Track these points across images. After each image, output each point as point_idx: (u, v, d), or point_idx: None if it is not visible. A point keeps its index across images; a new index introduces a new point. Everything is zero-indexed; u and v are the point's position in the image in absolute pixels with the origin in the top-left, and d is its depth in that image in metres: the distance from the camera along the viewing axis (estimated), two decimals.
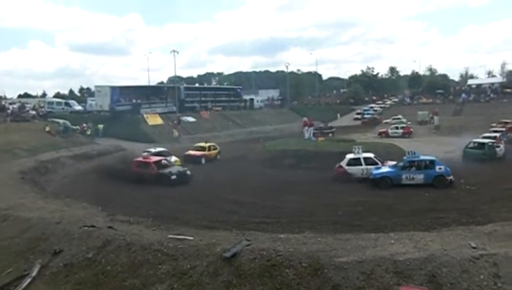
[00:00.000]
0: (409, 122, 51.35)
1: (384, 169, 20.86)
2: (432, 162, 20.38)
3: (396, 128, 44.79)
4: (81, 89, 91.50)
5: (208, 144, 31.42)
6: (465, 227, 12.10)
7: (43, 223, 13.08)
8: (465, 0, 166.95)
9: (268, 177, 22.84)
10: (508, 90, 70.58)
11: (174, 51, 58.40)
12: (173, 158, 26.46)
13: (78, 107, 51.92)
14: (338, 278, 8.58)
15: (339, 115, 69.57)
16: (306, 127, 36.84)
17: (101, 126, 42.05)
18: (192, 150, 30.82)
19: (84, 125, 40.89)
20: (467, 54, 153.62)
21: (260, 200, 17.90)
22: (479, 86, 79.98)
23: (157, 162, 23.31)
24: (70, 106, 50.76)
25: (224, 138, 47.40)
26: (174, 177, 22.12)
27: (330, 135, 41.57)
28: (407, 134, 43.04)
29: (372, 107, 72.90)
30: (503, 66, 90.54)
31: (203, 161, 29.20)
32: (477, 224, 12.44)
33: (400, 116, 55.98)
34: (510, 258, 8.68)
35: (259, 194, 19.14)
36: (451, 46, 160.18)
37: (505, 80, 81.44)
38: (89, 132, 40.15)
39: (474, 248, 9.40)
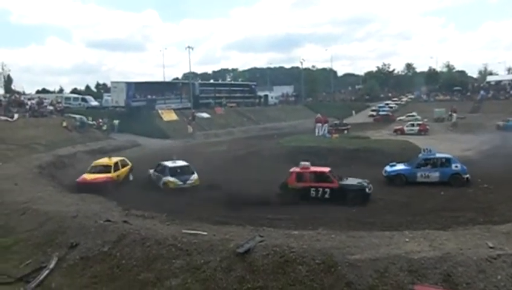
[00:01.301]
0: (425, 120, 50.68)
1: (399, 167, 20.64)
2: (448, 160, 20.10)
3: (412, 125, 44.23)
4: (98, 85, 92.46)
5: (115, 160, 21.69)
6: (482, 226, 11.91)
7: (60, 217, 13.33)
8: None
9: (281, 174, 22.76)
10: None
11: (189, 47, 58.64)
12: (194, 176, 20.39)
13: (95, 103, 52.51)
14: (351, 276, 8.54)
15: (353, 111, 68.97)
16: (319, 124, 36.63)
17: (116, 122, 42.48)
18: (90, 171, 20.55)
19: (100, 120, 41.35)
20: (486, 50, 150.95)
21: (274, 197, 17.88)
22: (498, 82, 78.35)
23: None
24: (86, 102, 51.32)
25: (238, 134, 47.55)
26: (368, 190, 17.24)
27: (345, 131, 41.25)
28: (423, 131, 42.45)
29: (387, 104, 72.07)
30: None
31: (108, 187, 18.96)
32: (495, 223, 12.23)
33: (414, 113, 55.25)
34: None
35: (272, 190, 19.12)
36: (469, 42, 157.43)
37: None
38: (104, 127, 40.61)
39: (491, 247, 9.25)
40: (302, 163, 18.54)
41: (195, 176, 20.31)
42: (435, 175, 19.60)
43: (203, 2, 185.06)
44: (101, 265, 10.60)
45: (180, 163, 21.16)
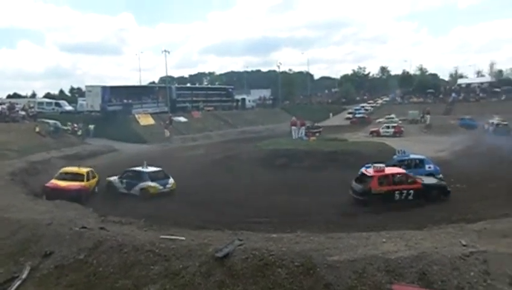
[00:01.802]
0: (399, 122, 51.75)
1: None
2: (422, 161, 20.49)
3: (388, 127, 45.06)
4: (72, 89, 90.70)
5: (86, 169, 20.24)
6: (455, 225, 12.23)
7: (34, 225, 12.96)
8: (454, 1, 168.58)
9: (259, 177, 22.84)
10: (497, 89, 71.41)
11: (165, 50, 57.96)
12: (171, 180, 20.00)
13: (69, 108, 51.37)
14: (330, 277, 8.62)
15: (331, 114, 69.83)
16: (294, 127, 36.85)
17: (92, 126, 41.70)
18: (60, 178, 19.39)
19: (75, 125, 40.52)
20: (457, 53, 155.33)
21: (252, 200, 17.89)
22: (468, 85, 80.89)
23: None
24: (60, 106, 50.17)
25: (216, 138, 47.37)
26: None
27: (317, 134, 41.61)
28: (398, 133, 43.31)
29: (363, 107, 73.27)
30: (491, 65, 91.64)
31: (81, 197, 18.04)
32: (468, 222, 12.57)
33: (392, 116, 56.40)
34: (499, 255, 8.79)
35: (251, 193, 19.14)
36: (441, 46, 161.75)
37: (493, 79, 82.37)
38: (79, 132, 39.79)
39: (464, 245, 9.51)
40: (377, 165, 17.91)
41: (172, 180, 19.97)
42: None
43: (180, 6, 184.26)
44: (77, 273, 10.36)
45: (154, 168, 20.53)
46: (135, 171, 20.17)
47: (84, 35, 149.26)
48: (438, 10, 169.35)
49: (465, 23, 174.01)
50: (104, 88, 48.15)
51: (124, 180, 19.96)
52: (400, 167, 20.24)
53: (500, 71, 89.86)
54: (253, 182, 21.51)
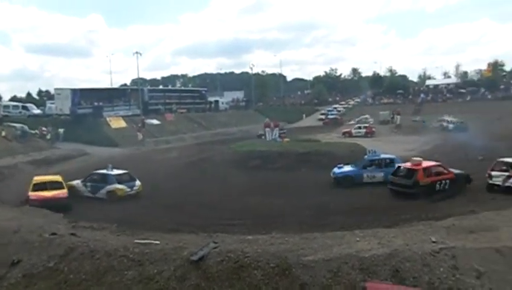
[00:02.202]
0: (371, 122, 52.82)
1: (346, 168, 21.22)
2: (392, 160, 20.94)
3: (359, 128, 45.89)
4: (40, 92, 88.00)
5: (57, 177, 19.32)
6: (425, 222, 12.57)
7: (0, 232, 12.51)
8: (421, 4, 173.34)
9: (234, 179, 22.80)
10: (463, 90, 73.90)
11: (137, 52, 57.07)
12: (137, 182, 19.83)
13: (37, 111, 49.90)
14: (306, 277, 8.68)
15: (304, 115, 70.51)
16: (268, 129, 37.05)
17: (61, 130, 40.67)
18: (39, 189, 17.99)
19: (44, 129, 39.42)
20: (424, 55, 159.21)
21: (227, 202, 17.85)
22: (436, 86, 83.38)
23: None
24: (28, 110, 48.64)
25: (189, 140, 47.00)
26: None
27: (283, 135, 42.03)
28: (369, 134, 44.15)
29: (335, 108, 74.30)
30: (457, 67, 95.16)
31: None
32: (437, 219, 12.94)
33: (367, 116, 57.61)
34: (467, 251, 9.10)
35: (225, 196, 19.09)
36: (409, 48, 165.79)
37: (459, 80, 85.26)
38: (48, 136, 38.72)
39: (434, 242, 9.78)
40: (415, 159, 18.70)
41: (138, 182, 19.85)
42: (380, 175, 20.31)
43: (151, 8, 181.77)
44: (47, 282, 10.05)
45: (120, 171, 20.41)
46: (101, 174, 19.98)
47: (52, 36, 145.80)
48: (406, 13, 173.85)
49: (432, 26, 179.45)
50: (73, 91, 47.14)
51: (89, 184, 19.69)
52: (371, 166, 20.66)
53: (465, 73, 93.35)
54: (227, 184, 21.45)
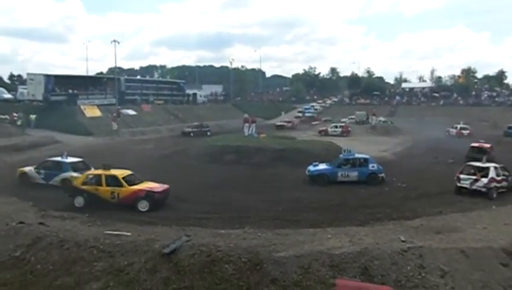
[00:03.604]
0: (347, 122, 53.56)
1: (321, 166, 21.46)
2: (366, 160, 21.29)
3: (336, 127, 46.44)
4: (12, 76, 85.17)
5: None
6: (395, 222, 12.88)
7: None
8: (400, 8, 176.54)
9: (209, 173, 22.73)
10: (436, 94, 75.74)
11: (115, 40, 55.85)
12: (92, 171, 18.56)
13: (8, 96, 48.29)
14: (276, 273, 8.77)
15: (283, 112, 70.81)
16: (246, 124, 37.10)
17: (33, 116, 39.57)
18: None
19: (15, 115, 38.26)
20: (401, 59, 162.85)
21: (201, 196, 17.78)
22: (411, 89, 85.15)
23: None
24: None
25: (165, 132, 46.51)
26: None
27: (208, 133, 42.04)
28: (345, 133, 44.76)
29: (313, 106, 74.91)
30: (432, 72, 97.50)
31: None
32: (407, 219, 13.27)
33: (353, 117, 58.58)
34: (433, 250, 9.39)
35: (199, 190, 19.01)
36: (387, 51, 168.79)
37: (434, 85, 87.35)
38: (19, 122, 37.60)
39: (403, 241, 10.05)
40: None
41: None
42: (354, 174, 20.65)
43: None
44: (12, 271, 9.82)
45: (75, 159, 20.08)
46: (55, 161, 19.65)
47: (27, 20, 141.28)
48: (385, 16, 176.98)
49: (410, 31, 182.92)
50: (47, 77, 45.78)
51: (42, 171, 19.31)
52: (345, 165, 20.96)
53: (440, 78, 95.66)
54: (202, 178, 21.36)
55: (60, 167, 19.18)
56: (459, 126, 44.22)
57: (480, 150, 25.48)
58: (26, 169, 19.71)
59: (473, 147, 26.85)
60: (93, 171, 16.73)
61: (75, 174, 18.57)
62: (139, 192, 15.57)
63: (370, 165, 20.85)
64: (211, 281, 8.79)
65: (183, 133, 43.03)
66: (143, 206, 15.27)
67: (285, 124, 52.02)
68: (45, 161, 20.13)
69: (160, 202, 15.82)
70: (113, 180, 15.66)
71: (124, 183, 15.62)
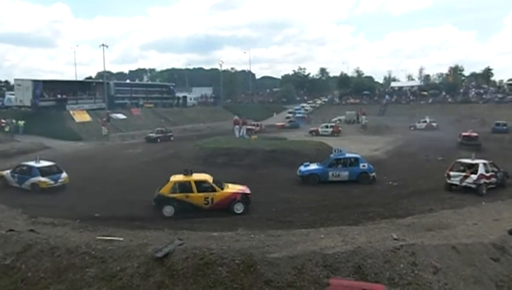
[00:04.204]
0: (337, 121, 53.79)
1: (312, 166, 21.51)
2: (356, 159, 21.39)
3: (326, 127, 46.58)
4: None
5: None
6: (387, 220, 12.95)
7: None
8: (388, 8, 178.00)
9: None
10: (425, 93, 76.38)
11: (103, 44, 55.46)
12: (64, 174, 20.03)
13: None
14: (270, 274, 8.76)
15: (275, 113, 70.83)
16: (237, 126, 37.12)
17: (21, 122, 39.19)
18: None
19: (3, 121, 37.88)
20: (390, 58, 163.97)
21: None
22: (400, 88, 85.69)
23: None
24: None
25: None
26: None
27: (171, 138, 41.28)
28: (336, 133, 44.92)
29: (303, 107, 75.05)
30: (420, 70, 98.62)
31: None
32: (398, 217, 13.37)
33: (340, 117, 58.75)
34: (425, 247, 9.45)
35: None
36: (376, 50, 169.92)
37: (422, 83, 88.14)
38: (7, 129, 37.22)
39: (395, 239, 10.11)
40: None
41: (64, 175, 20.15)
42: (344, 174, 20.74)
43: None
44: (2, 280, 9.69)
45: (46, 163, 20.74)
46: (26, 165, 20.19)
47: (13, 25, 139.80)
48: (374, 16, 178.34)
49: (398, 30, 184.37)
50: (35, 82, 45.39)
51: (16, 175, 19.88)
52: (336, 165, 21.03)
53: (428, 76, 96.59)
54: None
55: (30, 171, 19.65)
56: (428, 120, 49.09)
57: (470, 138, 32.89)
58: (4, 173, 20.37)
59: (464, 135, 33.69)
60: (178, 178, 15.77)
61: (42, 178, 19.27)
62: (234, 195, 15.61)
63: (361, 165, 20.96)
64: (205, 284, 8.75)
65: (148, 139, 40.25)
66: (239, 208, 15.44)
67: (252, 127, 45.68)
68: (18, 165, 20.71)
69: (250, 203, 15.86)
70: (205, 186, 15.46)
71: (217, 188, 15.51)
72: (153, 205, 15.35)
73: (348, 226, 12.27)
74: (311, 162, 22.04)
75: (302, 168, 21.44)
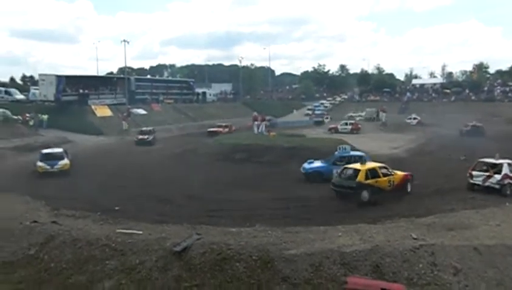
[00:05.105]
0: (357, 118, 53.25)
1: (317, 164, 21.23)
2: (361, 157, 20.93)
3: (346, 124, 46.14)
4: (24, 77, 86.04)
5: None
6: (407, 219, 12.75)
7: None
8: (410, 4, 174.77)
9: (220, 171, 22.80)
10: (447, 90, 74.91)
11: (124, 40, 56.10)
12: (62, 161, 21.94)
13: (20, 96, 48.93)
14: (287, 271, 8.76)
15: (295, 110, 70.56)
16: (256, 122, 37.13)
17: (45, 117, 40.02)
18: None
19: (27, 115, 38.76)
20: (412, 55, 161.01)
21: (212, 194, 17.84)
22: (422, 85, 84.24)
23: None
24: (11, 95, 47.68)
25: (175, 131, 46.73)
26: None
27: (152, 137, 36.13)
28: (355, 130, 44.43)
29: (322, 104, 74.57)
30: (443, 67, 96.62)
31: None
32: (418, 216, 13.13)
33: (359, 115, 58.15)
34: (445, 247, 9.29)
35: (210, 188, 19.07)
36: (398, 47, 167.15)
37: (445, 81, 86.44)
38: (31, 123, 38.09)
39: (415, 238, 9.96)
40: None
41: (63, 161, 21.99)
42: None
43: None
44: (27, 269, 9.97)
45: (53, 150, 23.46)
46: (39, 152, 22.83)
47: (38, 21, 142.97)
48: (395, 12, 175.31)
49: (421, 26, 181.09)
50: (58, 77, 46.27)
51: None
52: (341, 163, 20.58)
53: (451, 73, 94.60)
54: (213, 177, 21.43)
55: (39, 156, 22.17)
56: (416, 117, 52.34)
57: (475, 127, 38.33)
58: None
59: (470, 125, 39.01)
60: (369, 166, 17.40)
61: (40, 163, 21.68)
62: (407, 176, 17.90)
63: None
64: (222, 279, 8.81)
65: (138, 142, 35.12)
66: (409, 187, 17.75)
67: (219, 129, 42.12)
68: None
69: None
70: (386, 171, 17.43)
71: (395, 172, 17.71)
72: (346, 193, 16.54)
73: (366, 224, 12.13)
74: (315, 160, 21.72)
75: (306, 165, 21.10)
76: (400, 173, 17.81)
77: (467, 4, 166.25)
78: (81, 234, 10.84)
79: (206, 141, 32.30)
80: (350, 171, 17.27)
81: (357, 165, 17.46)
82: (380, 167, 17.51)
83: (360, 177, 16.62)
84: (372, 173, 16.84)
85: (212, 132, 41.12)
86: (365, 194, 16.31)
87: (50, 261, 10.06)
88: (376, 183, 16.64)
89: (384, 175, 17.16)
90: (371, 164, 17.84)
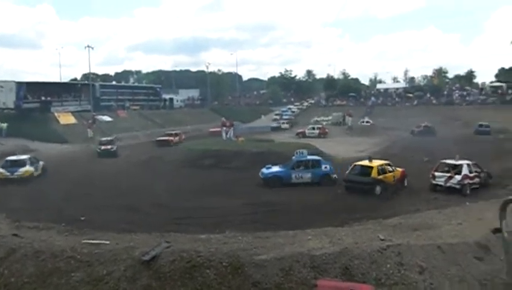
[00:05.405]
0: (324, 123, 54.12)
1: (275, 169, 21.34)
2: (318, 161, 21.31)
3: (313, 128, 46.80)
4: None
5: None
6: (374, 221, 13.04)
7: None
8: (374, 12, 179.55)
9: (187, 178, 22.58)
10: (410, 94, 77.39)
11: (88, 46, 55.11)
12: (23, 168, 22.13)
13: None
14: (258, 276, 8.75)
15: (263, 116, 70.89)
16: (224, 128, 37.11)
17: (4, 125, 38.57)
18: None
19: None
20: (376, 60, 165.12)
21: (180, 202, 17.64)
22: (385, 90, 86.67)
23: None
24: None
25: (142, 138, 45.98)
26: None
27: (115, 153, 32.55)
28: (322, 134, 45.15)
29: (290, 109, 75.33)
30: (405, 72, 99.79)
31: None
32: (385, 218, 13.45)
33: (325, 119, 59.02)
34: (411, 247, 9.55)
35: (179, 195, 18.86)
36: (362, 53, 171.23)
37: (407, 85, 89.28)
38: None
39: (382, 240, 10.19)
40: None
41: (24, 168, 22.05)
42: (307, 176, 20.53)
43: (106, 0, 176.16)
44: None
45: (18, 157, 23.32)
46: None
47: None
48: (360, 19, 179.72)
49: (383, 33, 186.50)
50: (19, 84, 44.84)
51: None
52: (299, 167, 20.89)
53: (413, 78, 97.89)
54: (181, 183, 21.21)
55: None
56: (368, 120, 55.82)
57: (427, 128, 43.27)
58: None
59: (422, 126, 43.82)
60: (380, 163, 19.23)
61: (1, 170, 21.82)
62: (404, 172, 19.77)
63: (323, 167, 20.94)
64: (193, 287, 8.70)
65: (101, 153, 32.01)
66: (406, 182, 19.58)
67: (170, 138, 38.60)
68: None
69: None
70: (390, 168, 19.10)
71: (396, 168, 19.39)
72: (360, 188, 17.98)
73: (335, 227, 12.31)
74: (273, 164, 21.87)
75: (264, 170, 21.15)
76: (399, 169, 19.52)
77: (427, 12, 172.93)
78: (44, 246, 10.43)
79: (174, 148, 31.88)
80: (363, 168, 18.82)
81: (367, 162, 19.16)
82: (386, 164, 19.27)
83: (374, 173, 18.25)
84: (382, 170, 18.63)
85: (162, 140, 37.46)
86: (378, 189, 17.95)
87: (10, 275, 9.62)
88: (385, 179, 18.40)
89: (389, 171, 18.87)
90: (378, 162, 19.50)
